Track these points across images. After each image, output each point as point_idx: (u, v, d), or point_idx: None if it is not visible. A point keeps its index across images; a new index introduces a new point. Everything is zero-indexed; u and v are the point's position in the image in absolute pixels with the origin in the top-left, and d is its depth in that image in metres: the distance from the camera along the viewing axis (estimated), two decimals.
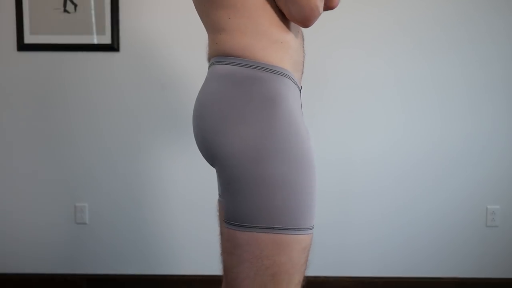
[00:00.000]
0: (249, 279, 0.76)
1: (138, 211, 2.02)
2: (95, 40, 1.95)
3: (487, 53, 1.96)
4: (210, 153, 0.80)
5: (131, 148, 2.00)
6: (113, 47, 1.94)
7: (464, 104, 1.98)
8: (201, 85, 0.87)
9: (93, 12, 1.93)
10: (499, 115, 1.98)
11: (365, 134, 1.99)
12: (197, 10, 0.89)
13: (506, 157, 1.99)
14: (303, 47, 0.90)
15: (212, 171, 0.88)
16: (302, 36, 0.91)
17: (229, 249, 0.78)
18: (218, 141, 0.77)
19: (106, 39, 1.94)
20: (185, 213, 2.01)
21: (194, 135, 0.87)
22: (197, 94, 0.89)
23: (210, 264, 2.01)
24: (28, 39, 1.94)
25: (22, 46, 1.95)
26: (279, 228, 0.74)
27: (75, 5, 1.93)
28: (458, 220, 2.02)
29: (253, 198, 0.74)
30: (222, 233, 0.87)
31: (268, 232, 0.74)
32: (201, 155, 0.88)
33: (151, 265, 2.03)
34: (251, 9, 0.78)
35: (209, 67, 0.86)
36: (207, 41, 0.89)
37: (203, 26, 0.89)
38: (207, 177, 1.97)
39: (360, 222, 2.02)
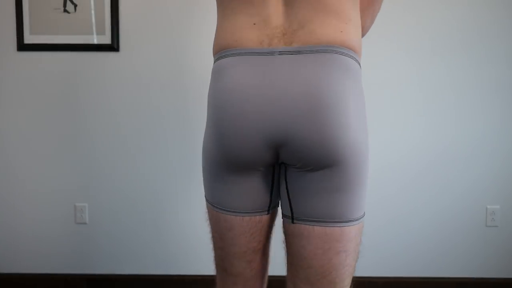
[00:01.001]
0: (352, 268, 0.87)
1: (138, 211, 2.02)
2: (95, 40, 1.95)
3: (486, 53, 1.96)
4: (320, 150, 0.75)
5: (131, 148, 2.00)
6: (113, 47, 1.94)
7: (464, 103, 1.98)
8: (213, 81, 0.83)
9: (93, 12, 1.94)
10: (498, 115, 1.98)
11: None
12: None
13: (506, 157, 2.00)
14: None
15: None
16: None
17: (337, 249, 0.81)
18: (340, 136, 0.75)
19: (106, 39, 1.94)
20: (185, 213, 2.01)
21: (231, 127, 0.79)
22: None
23: (210, 264, 2.01)
24: (28, 39, 1.94)
25: (22, 46, 1.95)
26: (363, 215, 0.85)
27: (75, 5, 1.93)
28: (458, 220, 2.02)
29: (363, 191, 0.82)
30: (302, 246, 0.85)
31: (362, 220, 0.84)
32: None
33: (151, 265, 2.04)
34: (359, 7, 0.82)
35: (316, 52, 0.75)
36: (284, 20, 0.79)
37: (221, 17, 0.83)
38: None
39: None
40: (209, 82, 0.85)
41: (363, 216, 0.84)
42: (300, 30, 0.76)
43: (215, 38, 0.86)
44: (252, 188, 0.85)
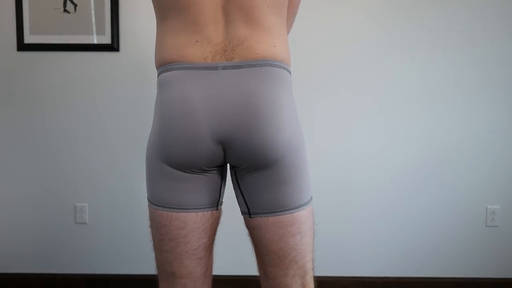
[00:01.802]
0: (310, 245, 0.96)
1: (138, 211, 2.02)
2: (95, 40, 1.95)
3: (487, 53, 1.96)
4: (260, 152, 0.87)
5: (131, 148, 2.00)
6: (113, 47, 1.94)
7: (464, 104, 1.98)
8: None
9: (93, 12, 1.94)
10: (499, 115, 1.98)
11: (365, 134, 1.99)
12: (244, 4, 0.87)
13: (506, 157, 2.00)
14: None
15: None
16: None
17: (292, 232, 0.92)
18: (277, 138, 0.87)
19: (106, 39, 1.94)
20: None
21: (174, 134, 0.88)
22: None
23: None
24: (28, 39, 1.94)
25: (22, 46, 1.95)
26: (311, 199, 0.96)
27: (75, 5, 1.93)
28: (458, 220, 2.02)
29: (306, 179, 0.94)
30: (264, 235, 0.96)
31: (310, 204, 0.96)
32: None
33: (151, 265, 2.03)
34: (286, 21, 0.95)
35: (254, 66, 0.87)
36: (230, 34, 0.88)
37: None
38: None
39: (360, 222, 2.02)
40: (158, 91, 0.93)
41: (310, 201, 0.96)
42: (240, 46, 0.87)
43: (157, 52, 0.94)
44: (203, 186, 0.93)
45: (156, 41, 0.94)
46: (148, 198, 0.98)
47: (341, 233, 2.02)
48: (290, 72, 0.93)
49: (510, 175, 2.00)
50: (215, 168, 0.94)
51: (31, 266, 2.04)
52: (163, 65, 0.91)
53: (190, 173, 0.91)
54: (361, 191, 2.00)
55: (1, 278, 2.03)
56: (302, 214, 0.93)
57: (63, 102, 1.98)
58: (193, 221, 0.93)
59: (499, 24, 1.95)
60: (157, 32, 0.95)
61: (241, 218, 1.00)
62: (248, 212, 0.95)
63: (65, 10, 1.94)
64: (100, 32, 1.94)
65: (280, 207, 0.91)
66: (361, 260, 2.04)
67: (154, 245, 0.99)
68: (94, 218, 2.02)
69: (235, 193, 0.98)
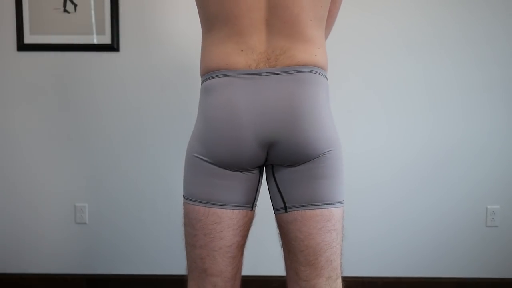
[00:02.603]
0: (341, 247, 1.01)
1: (138, 211, 2.02)
2: (95, 40, 1.95)
3: (486, 53, 1.96)
4: (301, 150, 0.92)
5: (131, 148, 2.00)
6: (113, 47, 1.94)
7: (464, 104, 1.98)
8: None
9: (93, 12, 1.94)
10: (498, 115, 1.98)
11: (365, 134, 1.99)
12: (288, 15, 0.92)
13: (506, 157, 2.00)
14: None
15: None
16: None
17: (328, 228, 0.95)
18: (319, 136, 0.92)
19: (106, 39, 1.94)
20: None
21: (221, 137, 0.93)
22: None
23: None
24: (28, 39, 1.94)
25: (22, 46, 1.95)
26: (343, 201, 1.00)
27: (75, 5, 1.93)
28: (458, 220, 2.02)
29: (342, 178, 0.99)
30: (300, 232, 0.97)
31: (342, 205, 1.00)
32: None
33: (151, 265, 2.04)
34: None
35: (295, 72, 0.92)
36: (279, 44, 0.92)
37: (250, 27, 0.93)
38: None
39: (360, 221, 2.02)
40: (200, 98, 0.98)
41: (343, 202, 0.99)
42: (282, 55, 0.92)
43: (203, 61, 0.99)
44: (242, 185, 0.96)
45: (202, 51, 0.99)
46: (184, 196, 1.01)
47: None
48: (327, 78, 0.99)
49: (510, 175, 2.00)
50: (256, 168, 0.98)
51: (31, 266, 2.04)
52: (208, 72, 0.96)
53: (231, 171, 0.94)
54: (361, 190, 2.00)
55: (1, 278, 2.03)
56: (338, 212, 0.97)
57: (63, 102, 1.98)
58: (230, 217, 0.96)
59: (499, 24, 1.95)
60: (202, 42, 0.99)
61: None
62: (284, 206, 0.97)
63: (65, 10, 1.94)
64: (100, 32, 1.94)
65: (319, 201, 0.94)
66: (361, 260, 2.04)
67: (187, 242, 1.02)
68: (94, 218, 2.02)
69: (270, 191, 1.00)
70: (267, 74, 0.91)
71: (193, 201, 0.98)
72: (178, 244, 2.02)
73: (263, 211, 1.91)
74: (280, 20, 0.91)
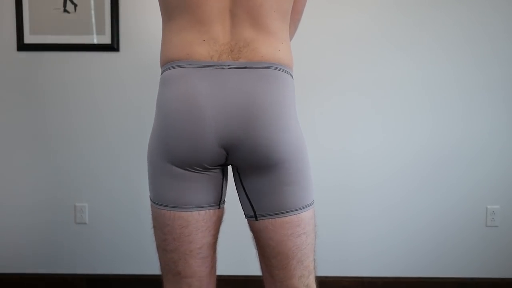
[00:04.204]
0: (313, 245, 0.98)
1: (138, 211, 2.02)
2: (95, 40, 1.95)
3: (486, 53, 1.96)
4: (265, 153, 0.88)
5: (131, 148, 2.00)
6: (113, 47, 1.94)
7: (464, 104, 1.98)
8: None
9: (93, 12, 1.94)
10: (499, 115, 1.98)
11: (366, 134, 1.99)
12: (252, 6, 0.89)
13: (506, 157, 2.00)
14: None
15: None
16: None
17: (298, 232, 0.94)
18: (282, 138, 0.88)
19: (106, 39, 1.94)
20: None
21: (177, 130, 0.88)
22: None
23: None
24: (28, 39, 1.94)
25: (22, 46, 1.95)
26: (313, 202, 0.97)
27: (75, 5, 1.93)
28: (458, 220, 2.02)
29: (310, 180, 0.95)
30: (269, 237, 0.97)
31: (313, 205, 0.97)
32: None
33: (151, 265, 2.04)
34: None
35: (259, 68, 0.88)
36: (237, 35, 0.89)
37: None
38: None
39: (360, 221, 2.02)
40: (158, 91, 0.95)
41: (313, 203, 0.97)
42: (246, 47, 0.88)
43: (163, 50, 0.96)
44: (205, 185, 0.93)
45: (162, 40, 0.95)
46: (150, 198, 0.97)
47: (341, 233, 2.02)
48: (292, 77, 0.95)
49: (510, 175, 2.00)
50: (217, 167, 0.94)
51: (31, 266, 2.04)
52: (167, 63, 0.92)
53: (192, 171, 0.91)
54: (361, 190, 2.00)
55: (1, 278, 2.03)
56: (307, 215, 0.95)
57: (63, 102, 1.98)
58: (196, 219, 0.93)
59: (498, 24, 1.95)
60: (163, 31, 0.96)
61: (241, 218, 1.00)
62: (254, 215, 0.95)
63: (65, 10, 1.94)
64: (100, 32, 1.94)
65: (287, 208, 0.92)
66: (361, 260, 2.04)
67: (158, 245, 0.99)
68: (94, 218, 2.02)
69: (240, 197, 0.98)
70: (229, 67, 0.86)
71: (159, 204, 0.94)
72: None
73: None
74: (243, 10, 0.88)
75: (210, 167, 0.92)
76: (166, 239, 0.95)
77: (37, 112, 1.99)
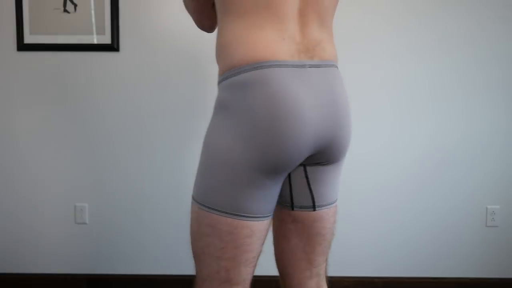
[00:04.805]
0: None
1: (138, 211, 2.02)
2: (95, 40, 1.95)
3: (486, 54, 1.96)
4: (343, 148, 0.93)
5: (131, 148, 2.00)
6: (113, 47, 1.94)
7: (465, 105, 1.98)
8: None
9: (93, 12, 1.93)
10: (499, 115, 1.98)
11: (366, 134, 1.99)
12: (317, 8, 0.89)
13: (506, 157, 2.00)
14: None
15: None
16: None
17: (334, 219, 1.02)
18: (351, 133, 0.94)
19: (106, 39, 1.94)
20: (185, 213, 2.01)
21: (279, 139, 0.83)
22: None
23: None
24: (28, 39, 1.94)
25: (22, 46, 1.95)
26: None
27: (75, 5, 1.93)
28: (458, 220, 2.02)
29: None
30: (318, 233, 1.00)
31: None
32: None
33: (151, 265, 2.04)
34: None
35: (330, 66, 0.89)
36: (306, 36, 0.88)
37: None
38: None
39: (361, 222, 2.02)
40: (230, 95, 0.85)
41: None
42: (317, 46, 0.88)
43: (231, 48, 0.87)
44: (276, 191, 0.90)
45: (226, 38, 0.88)
46: (206, 205, 0.88)
47: (342, 233, 2.02)
48: None
49: (510, 175, 2.00)
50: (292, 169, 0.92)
51: (31, 266, 2.04)
52: (246, 64, 0.84)
53: (272, 179, 0.86)
54: (362, 191, 2.00)
55: (1, 278, 2.03)
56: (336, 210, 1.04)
57: (63, 102, 1.98)
58: (260, 229, 0.90)
59: (498, 24, 1.95)
60: (225, 28, 0.88)
61: None
62: (313, 205, 0.96)
63: (65, 10, 1.94)
64: (100, 32, 1.94)
65: (336, 197, 1.00)
66: (361, 260, 2.04)
67: (208, 253, 0.91)
68: (94, 218, 2.02)
69: (296, 189, 0.96)
70: (310, 66, 0.85)
71: (222, 212, 0.87)
72: (178, 244, 2.03)
73: None
74: (313, 11, 0.88)
75: (290, 170, 0.89)
76: (224, 247, 0.89)
77: (36, 112, 1.98)
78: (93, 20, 1.94)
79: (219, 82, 0.90)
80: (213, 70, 1.96)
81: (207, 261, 0.92)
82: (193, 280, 1.05)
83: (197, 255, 0.94)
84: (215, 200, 0.87)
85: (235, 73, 0.85)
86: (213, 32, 1.11)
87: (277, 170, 0.85)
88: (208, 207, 0.88)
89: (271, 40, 0.84)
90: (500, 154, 2.00)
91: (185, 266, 2.02)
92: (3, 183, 2.01)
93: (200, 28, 1.13)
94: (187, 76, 1.96)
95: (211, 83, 1.97)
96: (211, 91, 1.97)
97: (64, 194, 2.01)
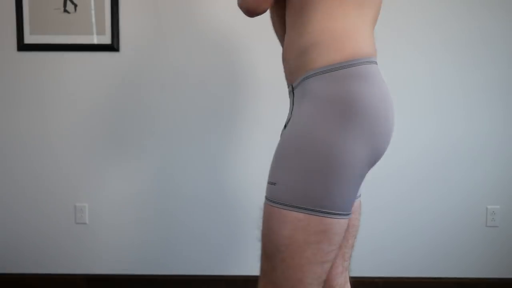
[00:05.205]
0: None
1: (138, 211, 2.02)
2: (95, 40, 1.95)
3: (484, 54, 1.96)
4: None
5: (131, 148, 2.00)
6: (113, 47, 1.94)
7: (464, 105, 1.98)
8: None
9: (93, 12, 1.94)
10: (499, 115, 1.98)
11: None
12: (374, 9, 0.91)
13: (506, 157, 2.00)
14: (284, 47, 0.96)
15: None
16: (286, 38, 0.96)
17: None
18: None
19: (106, 39, 1.94)
20: (185, 213, 2.01)
21: (389, 132, 0.87)
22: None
23: (210, 264, 2.01)
24: (28, 39, 1.94)
25: (22, 46, 1.95)
26: None
27: (75, 5, 1.93)
28: (458, 220, 2.02)
29: None
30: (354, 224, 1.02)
31: None
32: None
33: (151, 265, 2.04)
34: None
35: (374, 64, 0.88)
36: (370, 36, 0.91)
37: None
38: (207, 177, 1.98)
39: (360, 222, 2.02)
40: (358, 84, 0.82)
41: None
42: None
43: (352, 40, 0.85)
44: None
45: (339, 24, 0.85)
46: (329, 211, 0.81)
47: None
48: None
49: (510, 175, 2.00)
50: None
51: (31, 266, 2.04)
52: (364, 57, 0.84)
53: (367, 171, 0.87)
54: (362, 192, 2.00)
55: (1, 278, 2.03)
56: None
57: (63, 102, 1.98)
58: (347, 224, 0.88)
59: (501, 26, 1.95)
60: (337, 15, 0.85)
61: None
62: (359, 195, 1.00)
63: (65, 10, 1.94)
64: (100, 32, 1.94)
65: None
66: (361, 259, 2.03)
67: (315, 260, 0.83)
68: (94, 218, 2.02)
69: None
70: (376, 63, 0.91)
71: (338, 214, 0.81)
72: (178, 244, 2.03)
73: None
74: (376, 10, 0.93)
75: None
76: (332, 251, 0.84)
77: (37, 112, 1.99)
78: (93, 20, 1.94)
79: (323, 72, 0.83)
80: (212, 70, 1.97)
81: (312, 270, 0.84)
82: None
83: (299, 267, 0.83)
84: (332, 203, 0.81)
85: (349, 64, 0.82)
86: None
87: (374, 163, 0.86)
88: (324, 212, 0.81)
89: (371, 37, 0.89)
90: (500, 154, 1.99)
91: (185, 266, 2.02)
92: (3, 183, 2.01)
93: (247, 8, 0.91)
94: (187, 76, 1.96)
95: (211, 83, 1.97)
96: (211, 91, 1.97)
97: (64, 194, 2.01)
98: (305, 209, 0.80)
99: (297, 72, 0.89)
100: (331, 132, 0.79)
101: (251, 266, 1.94)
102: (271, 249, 0.85)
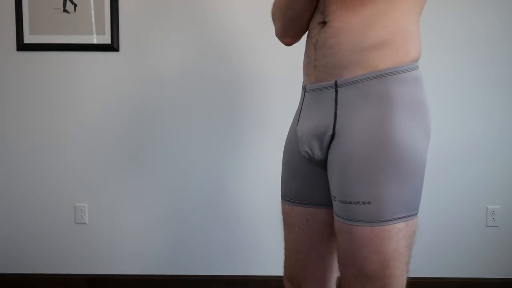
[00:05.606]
0: None
1: (138, 211, 2.02)
2: (95, 40, 1.95)
3: (486, 53, 1.96)
4: None
5: (131, 148, 2.00)
6: (113, 47, 1.94)
7: (464, 105, 1.98)
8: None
9: (93, 12, 1.93)
10: (499, 115, 1.98)
11: None
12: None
13: (506, 157, 1.99)
14: (308, 52, 0.96)
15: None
16: (311, 43, 0.96)
17: None
18: None
19: (106, 39, 1.94)
20: (185, 213, 2.01)
21: None
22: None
23: (210, 264, 2.01)
24: (28, 39, 1.94)
25: (22, 46, 1.95)
26: None
27: (75, 5, 1.93)
28: (458, 220, 2.02)
29: None
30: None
31: None
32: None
33: (151, 265, 2.04)
34: None
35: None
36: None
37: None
38: (206, 177, 1.98)
39: None
40: (420, 86, 0.90)
41: None
42: None
43: (415, 43, 0.89)
44: None
45: (408, 26, 0.88)
46: (417, 211, 0.90)
47: None
48: None
49: (510, 175, 2.00)
50: None
51: (31, 266, 2.04)
52: (417, 61, 0.91)
53: None
54: None
55: (1, 278, 2.03)
56: None
57: (63, 102, 1.98)
58: None
59: (499, 25, 1.95)
60: (407, 17, 0.88)
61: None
62: None
63: (65, 10, 1.94)
64: (100, 32, 1.94)
65: None
66: None
67: (409, 260, 0.89)
68: (94, 218, 2.02)
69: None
70: None
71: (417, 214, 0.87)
72: (178, 244, 2.02)
73: (265, 210, 1.91)
74: None
75: None
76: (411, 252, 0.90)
77: (37, 112, 1.98)
78: (93, 20, 1.94)
79: (396, 73, 0.84)
80: (212, 70, 1.97)
81: (404, 275, 0.86)
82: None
83: (405, 273, 0.86)
84: (418, 203, 0.91)
85: (413, 67, 0.88)
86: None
87: None
88: (415, 214, 0.89)
89: None
90: (500, 154, 1.99)
91: (185, 266, 2.02)
92: (2, 183, 2.01)
93: (280, 36, 1.02)
94: (187, 76, 1.96)
95: (211, 83, 1.97)
96: (211, 91, 1.97)
97: (64, 194, 2.01)
98: (405, 216, 0.84)
99: (351, 66, 0.84)
100: (419, 137, 0.84)
101: (251, 266, 1.94)
102: (377, 270, 0.81)
